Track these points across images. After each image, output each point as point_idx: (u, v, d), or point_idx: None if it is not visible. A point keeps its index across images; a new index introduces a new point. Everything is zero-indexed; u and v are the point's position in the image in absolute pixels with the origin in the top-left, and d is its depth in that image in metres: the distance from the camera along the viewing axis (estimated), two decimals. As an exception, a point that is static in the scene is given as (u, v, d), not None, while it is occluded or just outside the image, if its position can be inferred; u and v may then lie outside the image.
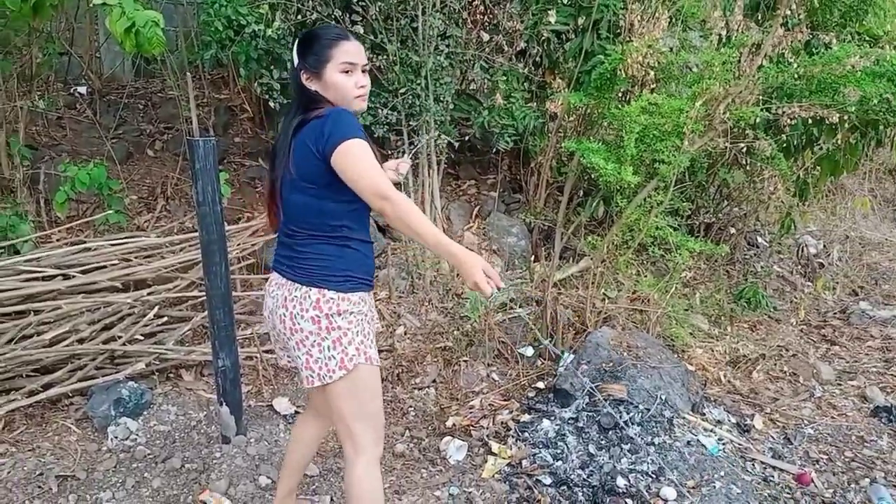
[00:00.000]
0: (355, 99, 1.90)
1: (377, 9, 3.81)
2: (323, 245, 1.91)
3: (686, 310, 4.43)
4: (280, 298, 1.96)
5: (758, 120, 4.07)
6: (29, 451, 2.80)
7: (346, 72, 1.87)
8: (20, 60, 4.09)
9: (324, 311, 1.90)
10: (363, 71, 1.92)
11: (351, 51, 1.88)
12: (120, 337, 3.17)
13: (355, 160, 1.75)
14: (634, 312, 4.16)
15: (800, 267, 5.69)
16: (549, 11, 4.04)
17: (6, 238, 3.48)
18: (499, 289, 1.79)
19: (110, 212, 3.67)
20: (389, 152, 4.37)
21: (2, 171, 3.83)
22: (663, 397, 3.20)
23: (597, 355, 3.42)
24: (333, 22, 3.76)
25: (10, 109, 3.77)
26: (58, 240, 3.69)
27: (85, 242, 3.51)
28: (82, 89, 5.06)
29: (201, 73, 5.14)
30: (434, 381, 3.62)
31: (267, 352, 3.49)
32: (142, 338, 3.26)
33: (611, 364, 3.35)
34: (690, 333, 4.27)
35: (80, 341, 3.09)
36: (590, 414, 3.10)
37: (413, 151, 4.11)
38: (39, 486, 2.60)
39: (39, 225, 3.77)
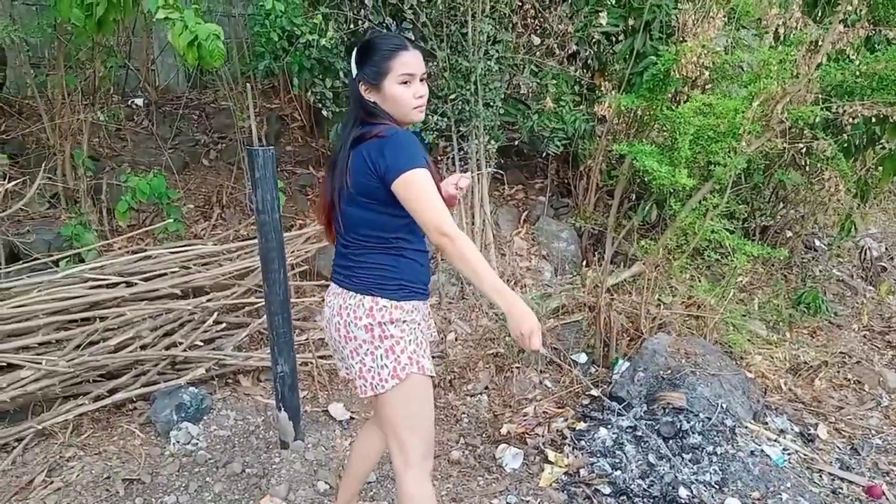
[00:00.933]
0: (413, 110, 1.90)
1: (427, 15, 3.82)
2: (378, 255, 1.93)
3: (744, 315, 4.32)
4: (336, 307, 1.98)
5: (817, 119, 3.95)
6: (96, 454, 2.88)
7: (405, 83, 1.87)
8: (83, 74, 4.23)
9: (377, 319, 1.91)
10: (421, 80, 1.91)
11: (410, 62, 1.87)
12: (181, 343, 3.24)
13: (418, 193, 1.77)
14: (690, 318, 4.07)
15: (861, 270, 5.49)
16: (599, 13, 3.99)
17: (71, 247, 3.59)
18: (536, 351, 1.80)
19: (169, 221, 3.76)
20: (439, 157, 4.38)
21: (67, 182, 3.96)
22: (724, 406, 3.12)
23: (653, 362, 3.35)
24: (385, 30, 3.78)
25: (73, 122, 3.90)
26: (119, 248, 3.80)
27: (146, 251, 3.60)
28: (139, 101, 5.21)
29: (253, 82, 5.24)
30: (486, 387, 3.61)
31: (321, 357, 3.52)
32: (201, 344, 3.34)
33: (668, 371, 3.28)
34: (748, 340, 4.16)
35: (143, 347, 3.17)
36: (648, 422, 3.04)
37: (466, 167, 4.10)
38: (107, 490, 2.67)
39: (102, 234, 3.88)
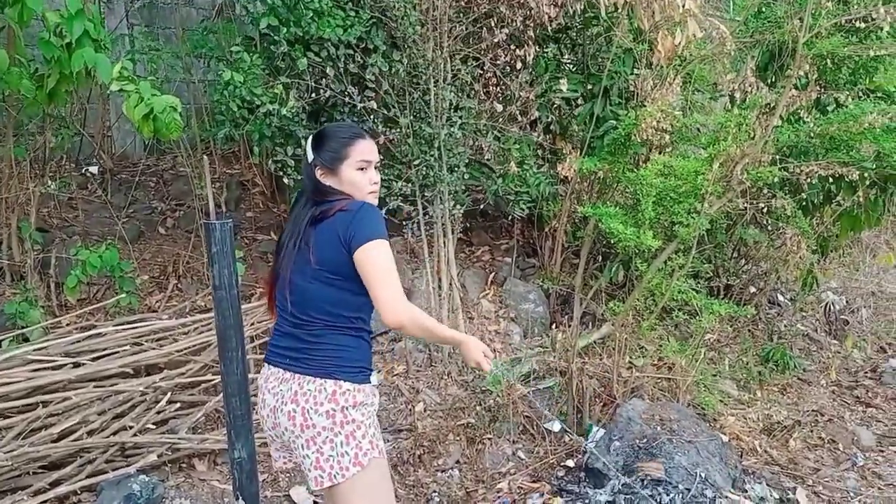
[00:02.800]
0: (369, 195, 1.94)
1: (389, 83, 3.82)
2: (340, 335, 1.88)
3: (714, 375, 4.28)
4: (288, 394, 1.88)
5: (775, 179, 4.02)
6: (34, 555, 2.64)
7: (362, 169, 1.92)
8: (34, 145, 4.10)
9: (340, 404, 1.83)
10: (375, 168, 1.98)
11: (366, 150, 1.94)
12: (131, 427, 3.04)
13: (379, 265, 1.78)
14: (661, 380, 4.02)
15: (825, 325, 5.54)
16: (560, 79, 4.05)
17: (15, 325, 3.39)
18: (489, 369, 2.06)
19: (122, 295, 3.59)
20: (404, 221, 4.32)
21: (13, 257, 3.78)
22: (703, 474, 3.03)
23: (629, 430, 3.26)
24: (347, 98, 3.76)
25: (21, 193, 3.74)
26: (68, 325, 3.61)
27: (96, 327, 3.43)
28: (94, 169, 5.07)
29: (213, 149, 5.16)
30: (458, 461, 3.46)
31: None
32: (153, 426, 3.14)
33: (644, 440, 3.19)
34: (721, 400, 4.11)
35: (91, 433, 2.96)
36: (627, 496, 2.92)
37: (431, 231, 4.06)
38: None
39: (50, 309, 3.69)
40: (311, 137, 1.98)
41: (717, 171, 3.81)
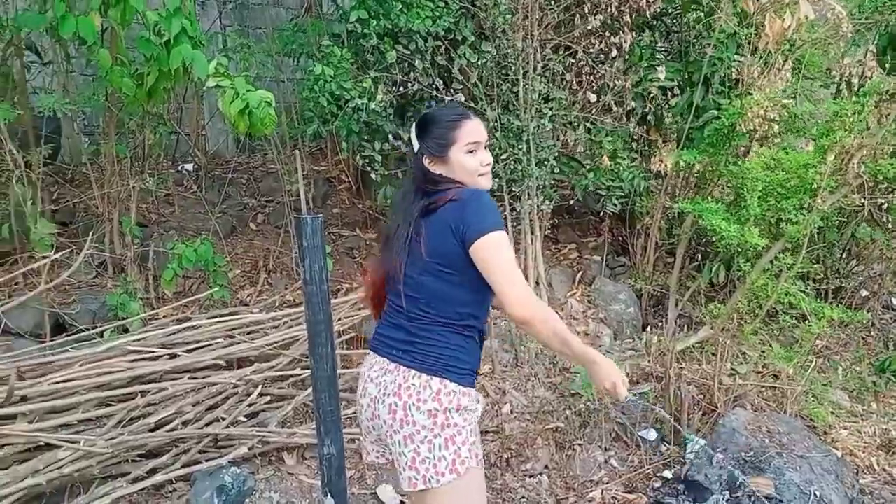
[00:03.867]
0: (480, 177, 1.82)
1: (478, 76, 3.73)
2: (450, 333, 1.79)
3: (825, 385, 3.97)
4: (391, 386, 1.81)
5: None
6: (133, 541, 2.70)
7: (472, 151, 1.81)
8: (134, 142, 4.25)
9: (443, 405, 1.75)
10: (486, 147, 1.86)
11: (474, 130, 1.83)
12: (224, 419, 3.08)
13: (500, 258, 1.68)
14: (765, 389, 3.75)
15: (949, 332, 5.05)
16: (657, 68, 3.84)
17: (116, 317, 3.51)
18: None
19: (215, 288, 3.66)
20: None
21: (114, 250, 3.92)
22: (817, 493, 2.78)
23: (733, 442, 3.04)
24: (434, 91, 3.70)
25: (122, 190, 3.88)
26: (165, 317, 3.71)
27: (191, 319, 3.50)
28: (189, 166, 5.23)
29: (300, 146, 5.23)
30: (546, 467, 3.33)
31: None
32: (245, 419, 3.17)
33: (751, 453, 2.97)
34: (832, 412, 3.80)
35: (185, 423, 3.01)
36: (733, 513, 2.72)
37: (519, 227, 3.93)
38: (142, 583, 2.48)
39: (148, 302, 3.80)
40: (414, 125, 1.88)
41: (831, 164, 3.52)
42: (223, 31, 5.25)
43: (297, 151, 2.27)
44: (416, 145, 1.85)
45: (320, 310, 2.61)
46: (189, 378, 3.15)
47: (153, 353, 3.17)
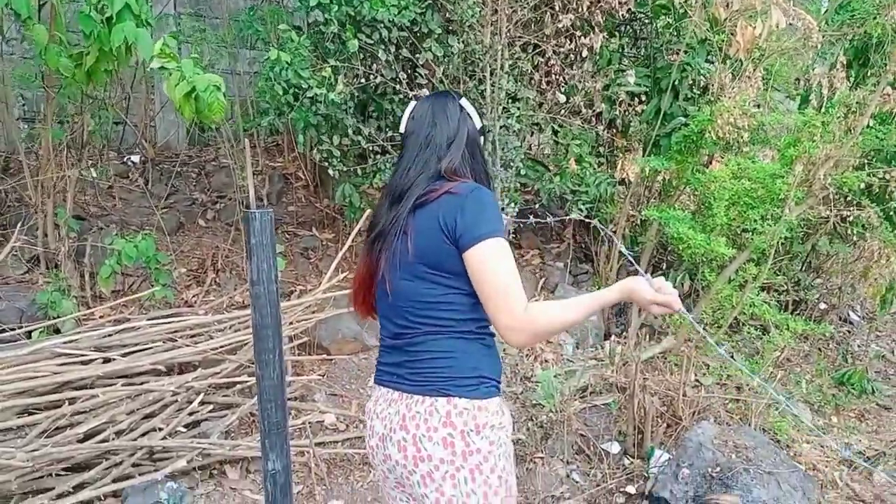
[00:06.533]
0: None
1: (443, 71, 3.58)
2: (445, 339, 1.53)
3: (788, 398, 3.92)
4: (395, 419, 1.55)
5: (860, 185, 3.67)
6: (53, 564, 2.45)
7: None
8: (72, 128, 3.96)
9: (458, 428, 1.48)
10: None
11: None
12: (161, 429, 2.85)
13: (496, 274, 1.43)
14: (729, 401, 3.68)
15: (904, 346, 5.11)
16: (626, 72, 3.76)
17: (47, 316, 3.24)
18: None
19: (157, 287, 3.42)
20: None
21: (47, 244, 3.64)
22: (785, 511, 2.69)
23: (699, 457, 2.94)
24: (397, 85, 3.54)
25: (59, 179, 3.60)
26: (101, 317, 3.45)
27: (129, 320, 3.25)
28: (135, 158, 4.95)
29: (256, 140, 5.00)
30: (507, 481, 3.18)
31: (320, 444, 3.12)
32: (184, 429, 2.94)
33: (717, 469, 2.87)
34: (794, 426, 3.75)
35: (118, 434, 2.77)
36: (700, 532, 2.61)
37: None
38: None
39: (83, 301, 3.53)
40: (465, 101, 1.66)
41: (800, 175, 3.48)
42: (176, 15, 4.98)
43: (246, 141, 2.07)
44: (477, 123, 1.65)
45: (268, 312, 2.40)
46: (124, 384, 2.91)
47: (85, 356, 2.92)
